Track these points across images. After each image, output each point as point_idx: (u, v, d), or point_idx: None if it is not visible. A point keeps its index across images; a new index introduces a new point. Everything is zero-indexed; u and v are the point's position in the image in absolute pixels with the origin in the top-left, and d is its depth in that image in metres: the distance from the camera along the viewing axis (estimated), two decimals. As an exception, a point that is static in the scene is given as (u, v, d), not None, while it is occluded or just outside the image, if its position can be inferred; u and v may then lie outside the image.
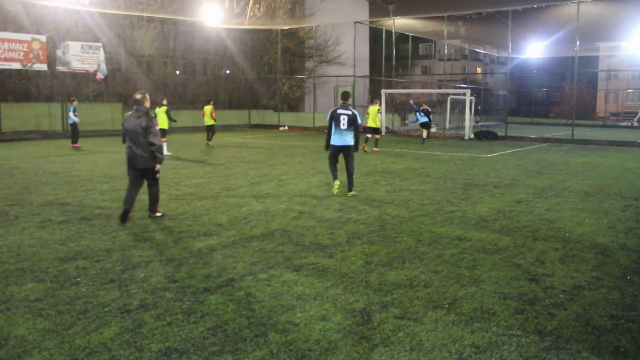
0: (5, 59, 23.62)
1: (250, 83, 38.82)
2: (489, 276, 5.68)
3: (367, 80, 46.97)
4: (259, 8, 38.17)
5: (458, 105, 33.70)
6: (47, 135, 25.02)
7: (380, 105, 21.22)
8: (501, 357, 3.93)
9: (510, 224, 8.18)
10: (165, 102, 17.90)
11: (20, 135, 24.43)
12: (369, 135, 20.00)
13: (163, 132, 17.05)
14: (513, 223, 8.23)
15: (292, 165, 15.00)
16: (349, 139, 10.29)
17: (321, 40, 42.50)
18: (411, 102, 27.56)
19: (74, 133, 20.31)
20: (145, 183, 8.15)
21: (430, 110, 27.22)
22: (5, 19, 26.07)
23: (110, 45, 30.38)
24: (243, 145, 21.69)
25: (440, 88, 46.10)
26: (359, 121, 10.41)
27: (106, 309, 4.71)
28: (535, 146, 23.65)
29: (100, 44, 27.91)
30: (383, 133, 29.58)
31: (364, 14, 54.84)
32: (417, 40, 49.36)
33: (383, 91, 30.62)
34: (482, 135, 27.18)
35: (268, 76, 41.81)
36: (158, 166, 8.00)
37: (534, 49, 46.25)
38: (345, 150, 10.36)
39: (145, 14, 32.81)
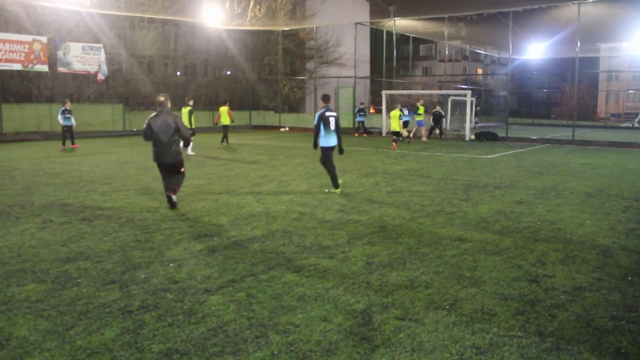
0: (7, 60, 23.67)
1: (251, 84, 38.85)
2: (490, 277, 5.68)
3: (368, 81, 46.99)
4: (259, 9, 38.23)
5: (459, 107, 33.70)
6: (48, 136, 25.04)
7: (400, 109, 22.05)
8: (502, 358, 3.92)
9: (511, 225, 8.18)
10: (191, 103, 18.32)
11: (22, 136, 24.47)
12: (395, 137, 21.42)
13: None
14: (514, 224, 8.22)
15: (293, 167, 15.01)
16: (336, 140, 10.76)
17: (322, 41, 42.53)
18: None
19: (66, 134, 19.67)
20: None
21: (442, 112, 27.29)
22: (7, 20, 26.12)
23: (111, 46, 30.41)
24: (244, 146, 21.70)
25: (441, 89, 46.08)
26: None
27: (107, 309, 4.71)
28: (536, 147, 23.64)
29: (101, 45, 27.95)
30: (384, 134, 29.63)
31: (364, 15, 54.91)
32: (417, 41, 49.30)
33: (384, 92, 30.64)
34: (483, 136, 27.19)
35: (269, 77, 41.83)
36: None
37: (535, 50, 46.22)
38: (333, 150, 10.85)
39: (146, 15, 32.85)
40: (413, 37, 42.04)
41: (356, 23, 34.32)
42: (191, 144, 17.51)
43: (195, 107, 19.27)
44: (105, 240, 6.98)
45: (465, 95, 29.58)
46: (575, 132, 26.57)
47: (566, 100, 58.54)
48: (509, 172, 14.57)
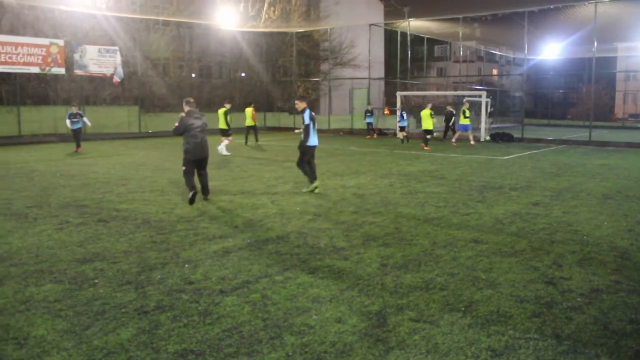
0: (24, 63, 23.95)
1: (266, 85, 38.97)
2: (506, 279, 5.64)
3: (382, 83, 46.90)
4: (274, 11, 38.38)
5: (474, 108, 33.49)
6: (64, 138, 25.26)
7: (431, 108, 22.49)
8: (518, 360, 3.89)
9: (526, 226, 8.12)
10: (228, 105, 18.97)
11: (39, 138, 24.73)
12: (428, 136, 21.85)
13: (224, 132, 18.95)
14: (530, 226, 8.16)
15: (307, 168, 14.98)
16: (317, 139, 11.40)
17: (336, 42, 42.58)
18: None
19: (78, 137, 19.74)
20: (196, 172, 9.94)
21: (453, 112, 27.19)
22: (25, 24, 26.50)
23: (127, 49, 30.69)
24: (258, 148, 21.76)
25: (455, 90, 45.86)
26: None
27: (123, 310, 4.75)
28: (552, 148, 23.42)
29: (116, 48, 28.20)
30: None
31: (378, 16, 54.87)
32: (432, 42, 49.16)
33: (398, 93, 30.54)
34: (498, 137, 27.01)
35: (283, 79, 41.92)
36: None
37: (551, 50, 45.77)
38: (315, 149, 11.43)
39: (161, 18, 33.13)
40: (427, 38, 41.90)
41: (370, 24, 34.29)
42: (224, 144, 18.09)
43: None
44: (122, 241, 7.04)
45: (480, 97, 29.37)
46: (592, 132, 26.25)
47: (583, 100, 57.95)
48: (524, 173, 14.45)
